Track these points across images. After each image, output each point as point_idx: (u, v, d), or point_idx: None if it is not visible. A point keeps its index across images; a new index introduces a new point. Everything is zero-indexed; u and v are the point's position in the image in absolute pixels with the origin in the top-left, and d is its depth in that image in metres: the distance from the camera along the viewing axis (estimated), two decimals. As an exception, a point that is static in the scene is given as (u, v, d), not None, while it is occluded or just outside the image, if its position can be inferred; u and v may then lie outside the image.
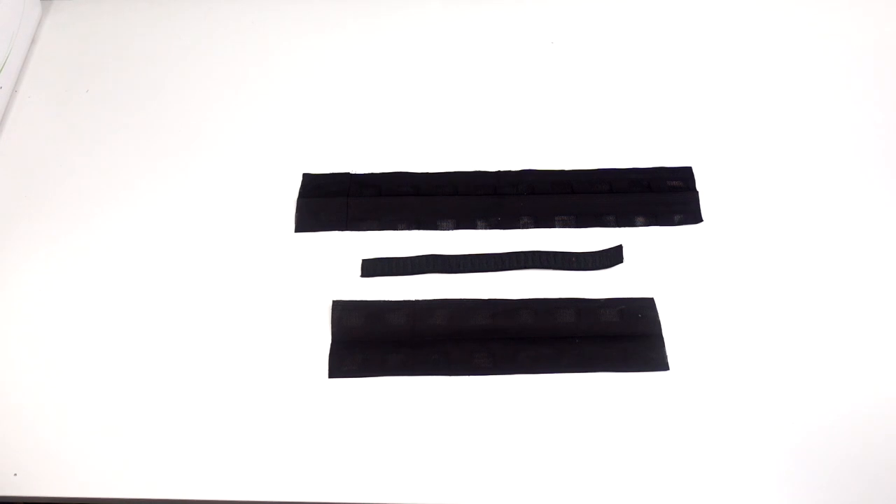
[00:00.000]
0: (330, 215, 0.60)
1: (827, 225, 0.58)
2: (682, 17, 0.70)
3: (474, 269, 0.57)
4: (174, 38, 0.71)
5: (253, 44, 0.70)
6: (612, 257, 0.57)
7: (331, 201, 0.60)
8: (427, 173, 0.62)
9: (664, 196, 0.60)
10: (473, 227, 0.59)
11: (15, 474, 0.52)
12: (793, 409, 0.51)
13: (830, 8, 0.70)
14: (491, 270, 0.57)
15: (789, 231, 0.58)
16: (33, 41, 0.71)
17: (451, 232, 0.59)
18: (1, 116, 0.66)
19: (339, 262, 0.58)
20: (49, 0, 0.74)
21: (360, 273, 0.57)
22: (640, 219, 0.59)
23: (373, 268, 0.58)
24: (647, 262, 0.57)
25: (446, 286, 0.57)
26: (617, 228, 0.58)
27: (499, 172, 0.61)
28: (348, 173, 0.62)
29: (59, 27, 0.72)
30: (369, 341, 0.54)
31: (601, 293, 0.56)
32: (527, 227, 0.59)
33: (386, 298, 0.56)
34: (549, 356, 0.53)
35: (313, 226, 0.59)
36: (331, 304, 0.56)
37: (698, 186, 0.60)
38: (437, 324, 0.55)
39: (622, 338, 0.54)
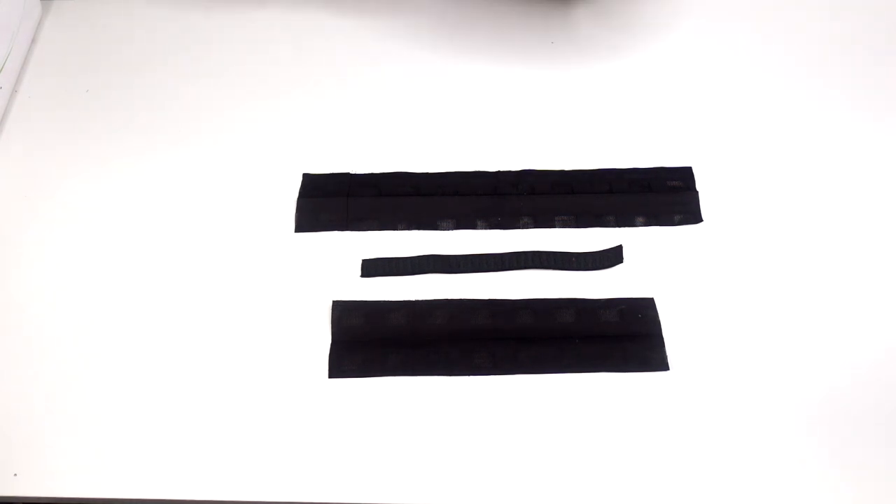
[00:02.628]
0: (330, 215, 0.60)
1: (828, 224, 0.58)
2: (683, 16, 0.70)
3: (474, 269, 0.57)
4: (174, 38, 0.71)
5: (253, 44, 0.70)
6: (611, 257, 0.57)
7: (331, 201, 0.60)
8: (427, 173, 0.62)
9: (664, 196, 0.59)
10: (473, 227, 0.59)
11: (15, 474, 0.52)
12: (793, 409, 0.51)
13: (832, 9, 0.69)
14: (491, 270, 0.57)
15: (790, 231, 0.58)
16: (33, 41, 0.71)
17: (450, 232, 0.59)
18: (1, 116, 0.66)
19: (340, 262, 0.58)
20: (49, 0, 0.74)
21: (360, 273, 0.57)
22: (640, 219, 0.59)
23: (373, 268, 0.58)
24: (647, 262, 0.57)
25: (446, 286, 0.57)
26: (617, 228, 0.58)
27: (498, 172, 0.61)
28: (348, 173, 0.62)
29: (59, 27, 0.72)
30: (369, 341, 0.54)
31: (601, 293, 0.56)
32: (527, 227, 0.59)
33: (386, 299, 0.56)
34: (549, 356, 0.53)
35: (313, 226, 0.59)
36: (331, 304, 0.56)
37: (698, 186, 0.60)
38: (437, 324, 0.55)
39: (622, 338, 0.54)
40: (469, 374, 0.53)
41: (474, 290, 0.56)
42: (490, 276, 0.57)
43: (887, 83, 0.65)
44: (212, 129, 0.65)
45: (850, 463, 0.49)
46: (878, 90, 0.65)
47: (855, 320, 0.54)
